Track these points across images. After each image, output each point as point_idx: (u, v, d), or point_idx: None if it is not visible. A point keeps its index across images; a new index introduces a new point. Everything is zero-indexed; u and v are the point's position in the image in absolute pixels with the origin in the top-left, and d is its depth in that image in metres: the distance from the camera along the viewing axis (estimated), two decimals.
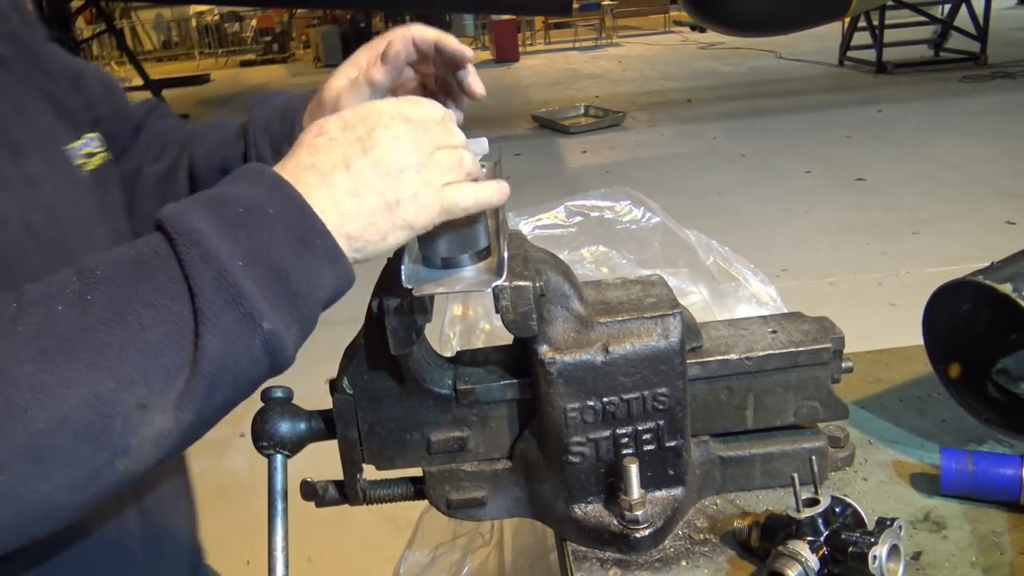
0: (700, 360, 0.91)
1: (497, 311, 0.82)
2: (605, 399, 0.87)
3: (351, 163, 0.65)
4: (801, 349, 0.91)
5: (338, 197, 0.64)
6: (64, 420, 0.54)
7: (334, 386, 0.89)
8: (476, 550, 1.26)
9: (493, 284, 0.76)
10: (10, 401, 0.52)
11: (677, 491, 0.91)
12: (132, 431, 0.56)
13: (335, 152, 0.66)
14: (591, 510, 0.90)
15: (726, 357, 0.91)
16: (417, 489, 0.96)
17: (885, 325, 3.80)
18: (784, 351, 0.91)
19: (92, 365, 0.55)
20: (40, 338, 0.54)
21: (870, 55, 10.80)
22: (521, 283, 0.81)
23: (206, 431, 0.63)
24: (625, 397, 0.87)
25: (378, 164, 0.66)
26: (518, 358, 0.91)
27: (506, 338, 0.91)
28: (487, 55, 15.70)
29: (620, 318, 0.87)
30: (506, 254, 0.77)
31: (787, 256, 5.03)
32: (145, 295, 0.57)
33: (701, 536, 0.90)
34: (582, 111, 9.58)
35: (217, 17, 20.82)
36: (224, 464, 3.25)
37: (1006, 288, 0.89)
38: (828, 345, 0.91)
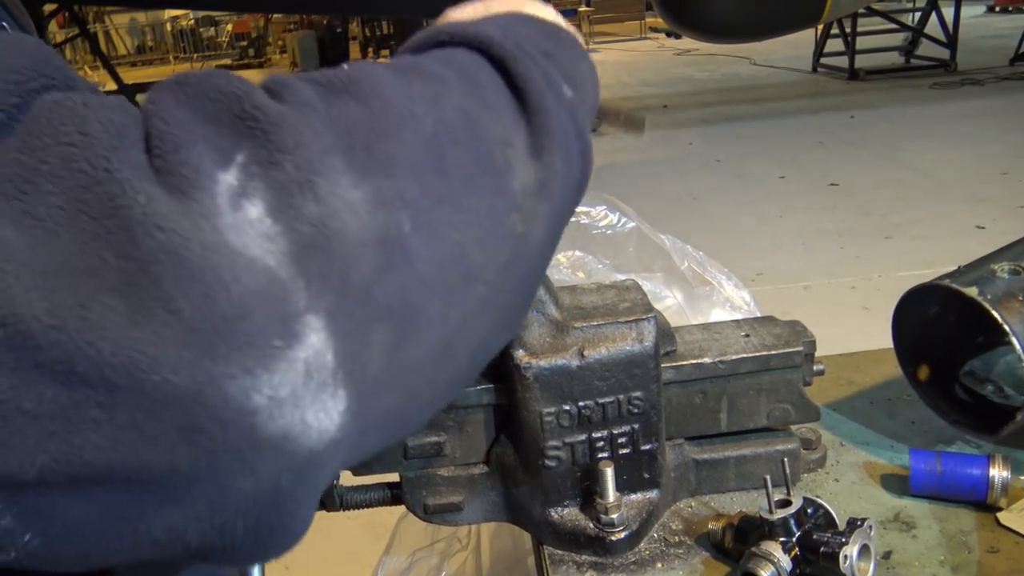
0: (674, 364, 0.92)
1: None
2: (581, 403, 0.87)
3: None
4: (773, 352, 0.92)
5: None
6: (441, 122, 0.47)
7: None
8: (454, 555, 1.27)
9: None
10: (394, 104, 0.45)
11: (652, 494, 0.92)
12: (511, 172, 0.49)
13: None
14: (567, 514, 0.91)
15: (700, 361, 0.92)
16: (394, 494, 0.96)
17: (858, 328, 3.84)
18: (756, 355, 0.92)
19: (447, 89, 0.49)
20: (386, 66, 0.49)
21: (843, 62, 10.94)
22: None
23: (560, 216, 0.55)
24: (600, 401, 0.88)
25: None
26: (495, 363, 0.92)
27: None
28: None
29: (595, 323, 0.88)
30: None
31: (762, 260, 5.08)
32: (446, 56, 0.53)
33: (676, 538, 0.91)
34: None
35: (192, 22, 20.70)
36: None
37: (972, 292, 0.91)
38: (800, 348, 0.93)
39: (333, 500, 0.94)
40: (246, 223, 0.38)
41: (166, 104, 0.40)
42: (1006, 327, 0.87)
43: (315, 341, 0.39)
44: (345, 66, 0.47)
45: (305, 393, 0.38)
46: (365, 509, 0.98)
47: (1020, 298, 0.89)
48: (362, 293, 0.40)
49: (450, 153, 0.46)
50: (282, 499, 0.40)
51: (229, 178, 0.38)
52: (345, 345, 0.40)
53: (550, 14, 0.66)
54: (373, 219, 0.41)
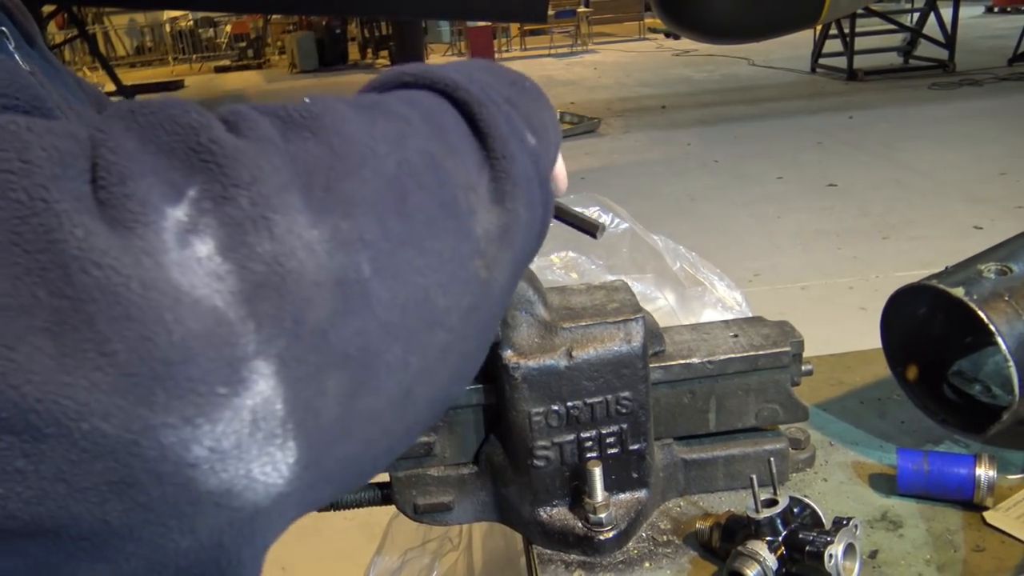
0: (663, 364, 0.92)
1: None
2: (569, 403, 0.88)
3: None
4: (761, 353, 0.93)
5: None
6: (404, 164, 0.45)
7: None
8: (445, 555, 1.27)
9: None
10: (356, 143, 0.44)
11: (641, 493, 0.93)
12: (474, 217, 0.48)
13: None
14: (556, 513, 0.91)
15: (688, 361, 0.93)
16: (384, 494, 0.96)
17: (855, 329, 3.84)
18: (744, 355, 0.93)
19: (411, 130, 0.48)
20: (346, 101, 0.48)
21: (841, 62, 10.95)
22: None
23: (521, 263, 0.55)
24: (589, 401, 0.88)
25: None
26: (484, 363, 0.92)
27: None
28: None
29: (583, 323, 0.88)
30: None
31: (759, 261, 5.08)
32: (411, 97, 0.52)
33: (664, 538, 0.92)
34: (557, 117, 9.61)
35: (191, 23, 20.70)
36: None
37: (959, 292, 0.91)
38: (787, 349, 0.93)
39: None
40: (193, 261, 0.35)
41: (115, 133, 0.38)
42: (992, 327, 0.88)
43: (264, 388, 0.36)
44: (306, 99, 0.45)
45: (251, 444, 0.36)
46: (356, 509, 0.99)
47: (1006, 298, 0.90)
48: (317, 337, 0.38)
49: (413, 195, 0.44)
50: (224, 559, 0.38)
51: (178, 214, 0.36)
52: (297, 392, 0.38)
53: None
54: (331, 260, 0.39)
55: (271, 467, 0.37)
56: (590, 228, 0.79)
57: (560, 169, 0.71)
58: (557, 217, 0.79)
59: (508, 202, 0.50)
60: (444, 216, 0.46)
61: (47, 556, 0.35)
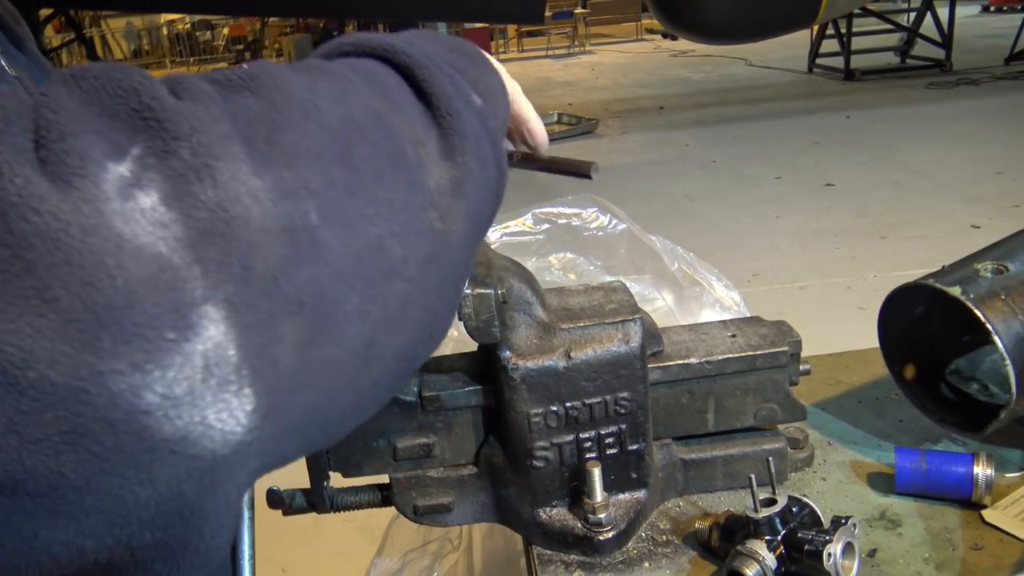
0: (661, 364, 0.93)
1: (460, 318, 0.84)
2: (568, 404, 0.88)
3: None
4: (759, 352, 0.93)
5: None
6: (348, 118, 0.45)
7: None
8: (445, 556, 1.27)
9: None
10: (296, 98, 0.44)
11: (640, 494, 0.93)
12: (424, 170, 0.48)
13: None
14: (555, 514, 0.91)
15: (686, 361, 0.93)
16: (384, 496, 0.96)
17: (854, 328, 3.84)
18: (742, 355, 0.93)
19: (354, 88, 0.48)
20: (286, 66, 0.48)
21: (838, 62, 10.95)
22: (483, 291, 0.82)
23: (475, 220, 0.55)
24: (587, 402, 0.88)
25: None
26: (483, 365, 0.93)
27: (475, 344, 0.92)
28: None
29: (582, 324, 0.88)
30: None
31: (758, 261, 5.08)
32: (350, 63, 0.53)
33: (664, 537, 0.92)
34: (555, 119, 9.61)
35: (188, 26, 20.70)
36: None
37: (955, 291, 0.91)
38: (785, 348, 0.93)
39: (324, 502, 0.95)
40: (137, 212, 0.36)
41: (58, 95, 0.38)
42: (988, 326, 0.88)
43: (214, 333, 0.36)
44: (245, 65, 0.46)
45: (205, 391, 0.36)
46: (357, 511, 0.99)
47: (1003, 297, 0.90)
48: (267, 284, 0.38)
49: (359, 147, 0.45)
50: (187, 510, 0.37)
51: (121, 170, 0.36)
52: (249, 338, 0.37)
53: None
54: (276, 207, 0.39)
55: (227, 414, 0.37)
56: (583, 170, 0.78)
57: (536, 123, 0.76)
58: (548, 169, 0.80)
59: (458, 156, 0.51)
60: (393, 168, 0.46)
61: (6, 515, 0.35)
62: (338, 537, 2.87)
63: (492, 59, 0.67)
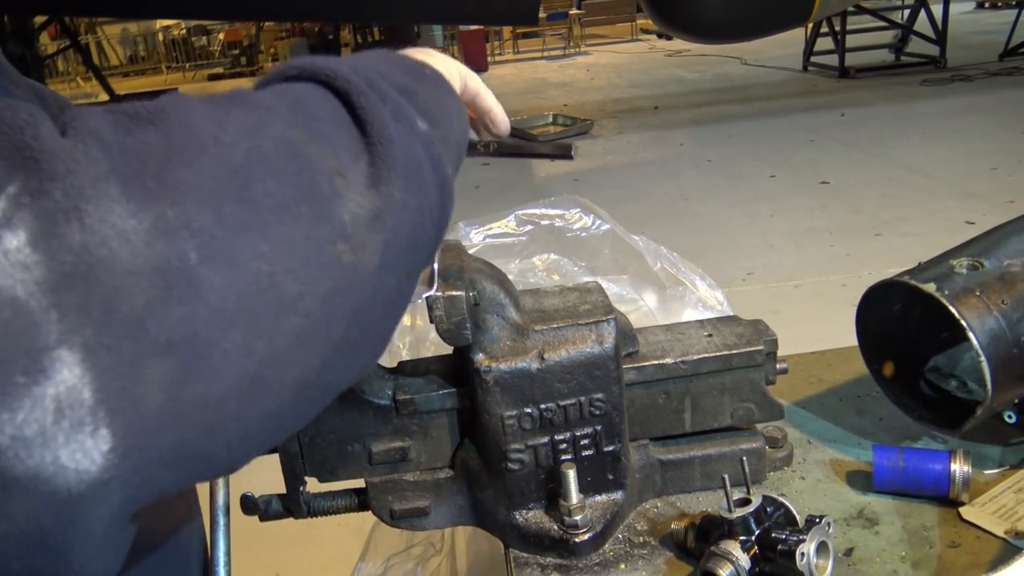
0: (636, 365, 0.92)
1: (431, 321, 0.83)
2: (542, 406, 0.88)
3: None
4: (734, 352, 0.93)
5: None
6: (261, 160, 0.45)
7: None
8: (428, 559, 1.27)
9: (425, 295, 0.77)
10: (197, 133, 0.44)
11: (617, 495, 0.92)
12: (340, 201, 0.48)
13: None
14: (532, 516, 0.91)
15: (662, 361, 0.93)
16: (361, 500, 0.96)
17: (849, 326, 3.84)
18: (718, 354, 0.93)
19: (272, 119, 0.48)
20: (199, 97, 0.48)
21: (833, 60, 10.96)
22: (454, 293, 0.82)
23: (411, 243, 0.55)
24: (562, 403, 0.88)
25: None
26: (458, 367, 0.92)
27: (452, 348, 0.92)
28: None
29: (555, 325, 0.88)
30: (436, 265, 0.78)
31: (753, 259, 5.08)
32: (283, 89, 0.53)
33: (640, 539, 0.92)
34: (550, 120, 9.62)
35: (184, 31, 20.70)
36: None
37: (930, 288, 0.91)
38: (760, 347, 0.93)
39: (300, 507, 0.94)
40: (0, 253, 0.36)
41: None
42: (963, 323, 0.88)
43: (68, 376, 0.37)
44: (162, 97, 0.46)
45: (57, 432, 0.37)
46: (343, 515, 0.99)
47: (977, 293, 0.90)
48: (132, 326, 0.38)
49: (261, 182, 0.45)
50: (51, 541, 0.38)
51: None
52: (108, 381, 0.38)
53: (432, 57, 0.69)
54: (149, 248, 0.39)
55: (81, 454, 0.37)
56: (564, 152, 0.82)
57: (498, 111, 0.79)
58: (531, 154, 0.83)
59: (383, 186, 0.51)
60: (298, 202, 0.46)
61: None
62: (331, 541, 2.87)
63: (450, 70, 0.68)
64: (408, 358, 1.32)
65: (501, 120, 0.81)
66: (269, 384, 0.45)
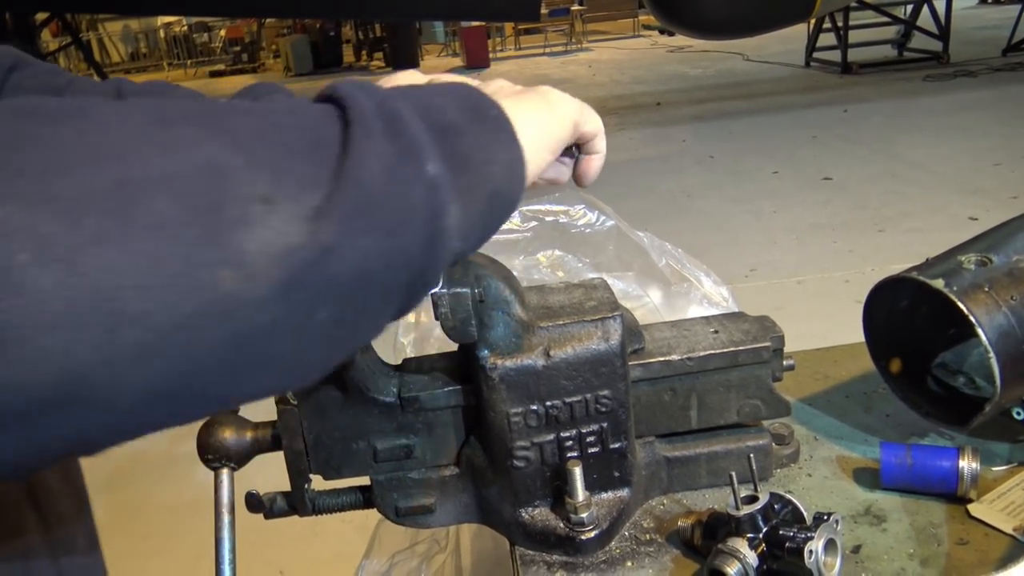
0: (642, 362, 0.92)
1: (437, 318, 0.83)
2: (548, 403, 0.87)
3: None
4: (741, 348, 0.92)
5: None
6: (166, 179, 0.44)
7: (279, 397, 0.89)
8: (433, 557, 1.27)
9: (430, 291, 0.76)
10: (101, 145, 0.44)
11: (623, 492, 0.92)
12: (249, 229, 0.47)
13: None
14: (537, 514, 0.90)
15: (668, 358, 0.92)
16: (366, 498, 0.96)
17: (852, 322, 3.83)
18: (724, 351, 0.92)
19: (213, 135, 0.47)
20: (153, 108, 0.47)
21: (835, 56, 10.94)
22: (459, 290, 0.82)
23: (358, 282, 0.51)
24: (568, 400, 0.87)
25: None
26: (463, 364, 0.92)
27: (457, 344, 0.91)
28: (458, 62, 15.71)
29: (560, 322, 0.87)
30: None
31: (756, 256, 5.08)
32: (289, 106, 0.51)
33: (647, 536, 0.91)
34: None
35: (185, 28, 20.70)
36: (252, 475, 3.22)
37: (938, 284, 0.91)
38: (767, 344, 0.93)
39: (305, 505, 0.94)
40: None
41: None
42: (971, 318, 0.87)
43: None
44: (99, 99, 0.47)
45: None
46: (348, 512, 0.98)
47: (986, 289, 0.89)
48: None
49: (151, 200, 0.44)
50: None
51: None
52: None
53: (542, 97, 0.69)
54: None
55: None
56: (566, 154, 0.82)
57: (596, 167, 0.84)
58: None
59: (326, 221, 0.48)
60: (186, 224, 0.45)
61: None
62: (335, 538, 2.87)
63: (561, 111, 0.71)
64: (413, 355, 1.32)
65: (592, 176, 0.83)
66: (95, 388, 0.45)
